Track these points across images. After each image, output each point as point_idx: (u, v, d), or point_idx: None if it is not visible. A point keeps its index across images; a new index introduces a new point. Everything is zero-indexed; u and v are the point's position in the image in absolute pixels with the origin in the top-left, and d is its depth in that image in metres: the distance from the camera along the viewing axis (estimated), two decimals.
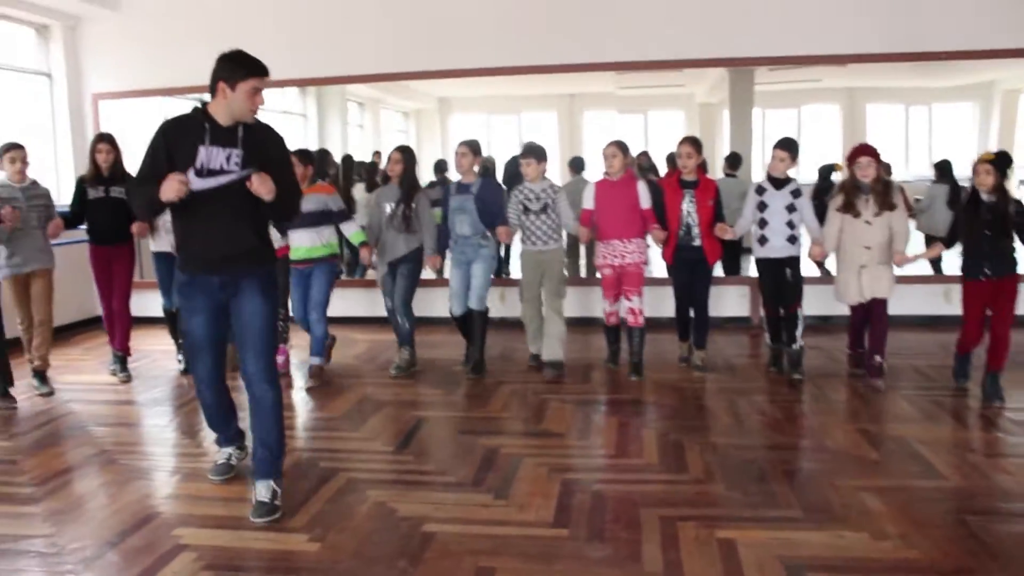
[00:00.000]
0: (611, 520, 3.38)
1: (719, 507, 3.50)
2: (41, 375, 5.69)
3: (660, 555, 3.06)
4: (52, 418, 5.10)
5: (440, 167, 7.94)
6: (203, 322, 3.58)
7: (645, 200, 5.56)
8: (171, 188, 3.23)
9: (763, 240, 5.49)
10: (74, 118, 8.24)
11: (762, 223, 5.48)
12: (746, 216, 5.56)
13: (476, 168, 5.83)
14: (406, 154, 5.84)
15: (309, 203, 5.41)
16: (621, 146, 5.63)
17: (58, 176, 8.12)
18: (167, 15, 8.03)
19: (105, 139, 5.81)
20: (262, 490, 3.52)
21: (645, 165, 7.60)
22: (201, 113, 3.42)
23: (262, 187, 3.33)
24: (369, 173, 8.17)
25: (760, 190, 5.51)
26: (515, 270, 7.15)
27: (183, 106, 8.39)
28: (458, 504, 3.59)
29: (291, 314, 6.10)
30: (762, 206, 5.47)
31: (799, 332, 5.49)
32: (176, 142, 3.38)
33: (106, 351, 6.44)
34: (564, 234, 5.81)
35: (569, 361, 5.95)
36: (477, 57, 7.42)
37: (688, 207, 5.62)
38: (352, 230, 5.86)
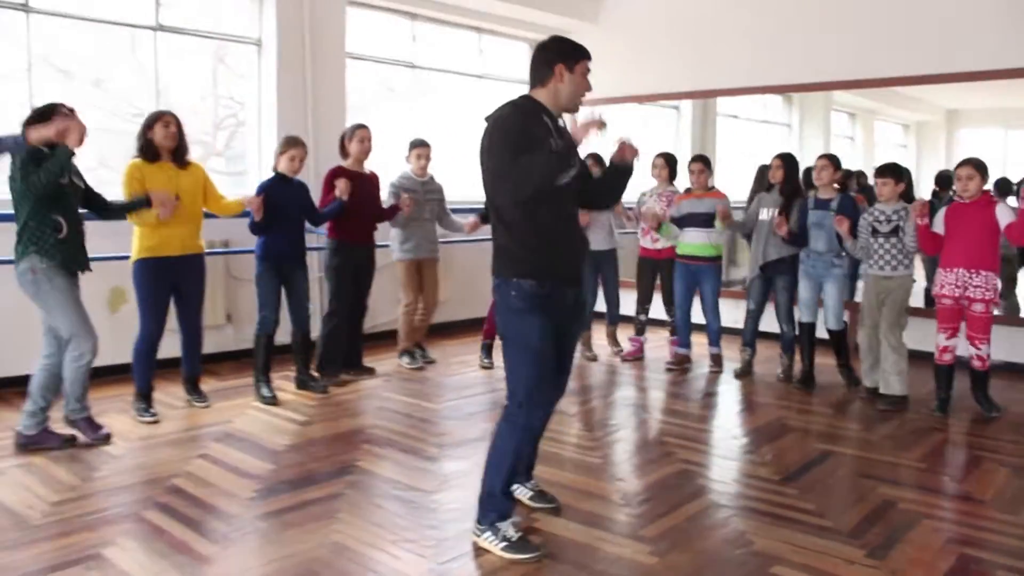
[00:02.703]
0: None
1: None
2: (413, 353, 6.36)
3: None
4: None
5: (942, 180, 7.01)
6: (553, 344, 3.17)
7: (1006, 220, 4.91)
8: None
9: None
10: None
11: None
12: None
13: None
14: (787, 161, 5.85)
15: (703, 206, 6.12)
16: (979, 166, 4.97)
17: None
18: (644, 26, 8.43)
19: None
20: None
21: None
22: (533, 102, 3.16)
23: (630, 154, 3.21)
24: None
25: None
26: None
27: (656, 112, 8.81)
28: (822, 553, 3.22)
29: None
30: None
31: None
32: (532, 131, 3.05)
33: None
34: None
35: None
36: (992, 58, 6.40)
37: None
38: None
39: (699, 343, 6.56)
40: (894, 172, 5.38)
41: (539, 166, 2.91)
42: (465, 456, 4.33)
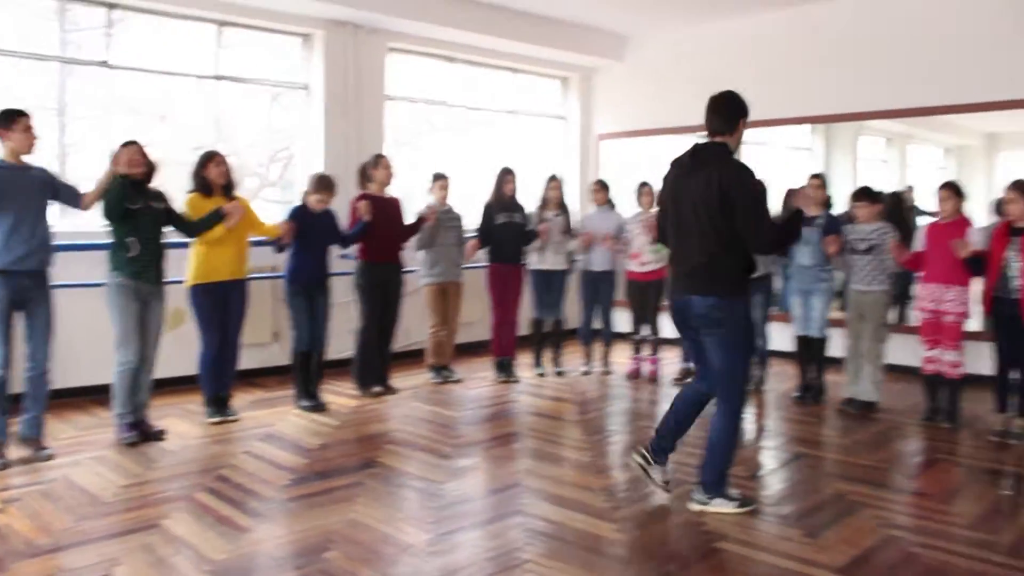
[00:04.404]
0: None
1: None
2: (440, 369, 6.96)
3: None
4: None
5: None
6: None
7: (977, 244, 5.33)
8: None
9: None
10: (583, 156, 9.67)
11: None
12: None
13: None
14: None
15: None
16: (954, 188, 5.46)
17: (581, 206, 9.23)
18: (665, 63, 9.04)
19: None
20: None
21: None
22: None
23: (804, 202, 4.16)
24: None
25: None
26: None
27: (678, 143, 9.35)
28: (764, 532, 3.74)
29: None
30: None
31: None
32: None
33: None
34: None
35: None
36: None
37: (1012, 256, 5.08)
38: None
39: None
40: (868, 195, 5.87)
41: (773, 231, 3.84)
42: (475, 455, 4.94)
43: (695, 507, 4.00)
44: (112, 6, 6.37)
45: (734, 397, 3.91)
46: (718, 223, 3.78)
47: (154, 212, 5.07)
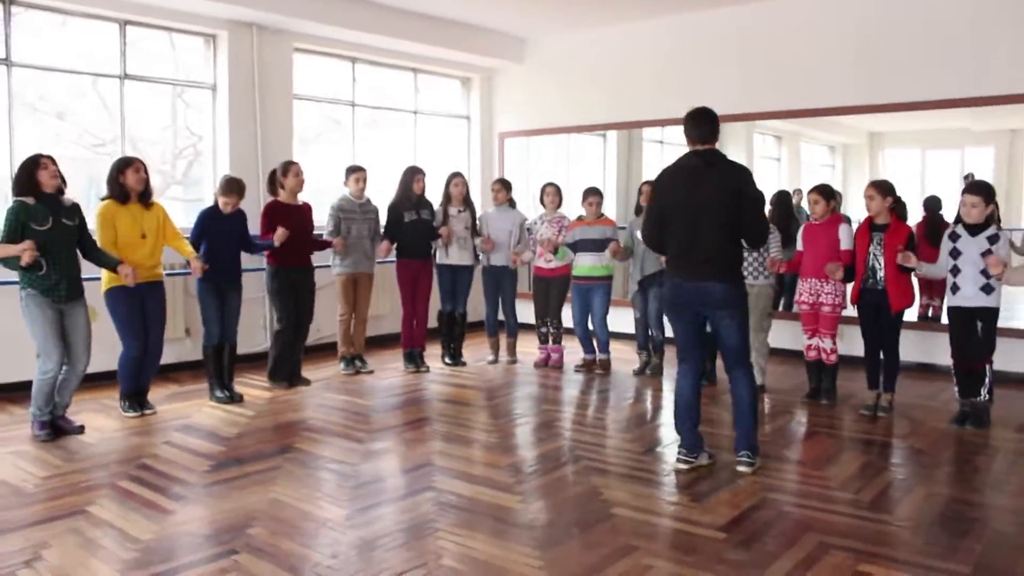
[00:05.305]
0: (773, 535, 3.70)
1: (887, 546, 3.57)
2: (352, 360, 7.21)
3: (789, 570, 3.33)
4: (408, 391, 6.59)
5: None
6: None
7: (846, 242, 5.83)
8: None
9: (955, 288, 5.39)
10: (484, 154, 10.00)
11: (955, 270, 5.38)
12: (941, 262, 5.44)
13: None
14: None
15: (594, 232, 7.12)
16: (823, 191, 5.96)
17: (480, 202, 9.36)
18: (563, 65, 9.44)
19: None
20: None
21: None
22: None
23: None
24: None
25: (954, 236, 5.37)
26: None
27: (581, 141, 9.75)
28: (655, 499, 4.16)
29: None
30: (955, 253, 5.34)
31: (985, 387, 5.41)
32: None
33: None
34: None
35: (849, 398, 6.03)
36: (912, 89, 7.16)
37: (875, 250, 5.62)
38: None
39: (616, 348, 7.47)
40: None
41: (765, 226, 4.69)
42: (388, 439, 5.22)
43: (746, 470, 4.54)
44: (10, 1, 6.37)
45: (748, 363, 4.62)
46: (732, 217, 4.37)
47: (66, 229, 5.10)
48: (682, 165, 4.55)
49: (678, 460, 4.62)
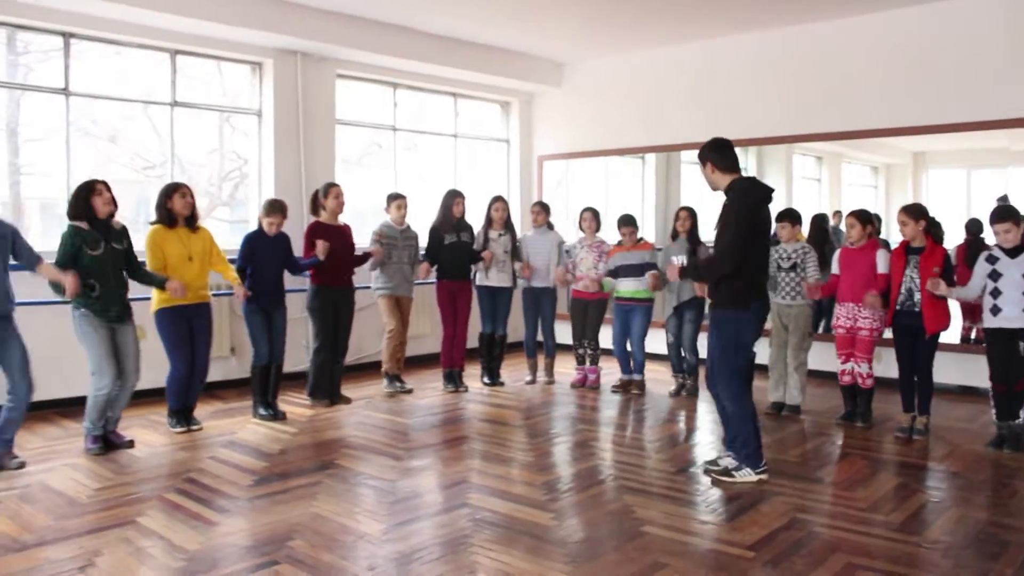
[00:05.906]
0: (802, 554, 3.73)
1: (915, 568, 3.59)
2: (393, 377, 7.32)
3: None
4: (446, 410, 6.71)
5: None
6: None
7: (882, 266, 5.85)
8: None
9: (996, 310, 5.39)
10: (523, 176, 10.16)
11: (995, 292, 5.38)
12: (972, 285, 5.45)
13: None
14: (692, 212, 7.03)
15: (633, 258, 7.24)
16: (860, 216, 5.96)
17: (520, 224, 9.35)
18: (600, 89, 9.60)
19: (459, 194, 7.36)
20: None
21: None
22: None
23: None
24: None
25: (992, 259, 5.43)
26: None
27: (620, 164, 9.86)
28: (685, 518, 4.21)
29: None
30: (995, 275, 5.35)
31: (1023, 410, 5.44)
32: None
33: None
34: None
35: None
36: (953, 110, 7.17)
37: (911, 272, 5.65)
38: None
39: (651, 369, 7.54)
40: (790, 217, 6.39)
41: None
42: (427, 457, 5.34)
43: (728, 479, 4.84)
44: (70, 35, 6.66)
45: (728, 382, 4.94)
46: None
47: (115, 253, 5.31)
48: (762, 193, 4.80)
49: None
